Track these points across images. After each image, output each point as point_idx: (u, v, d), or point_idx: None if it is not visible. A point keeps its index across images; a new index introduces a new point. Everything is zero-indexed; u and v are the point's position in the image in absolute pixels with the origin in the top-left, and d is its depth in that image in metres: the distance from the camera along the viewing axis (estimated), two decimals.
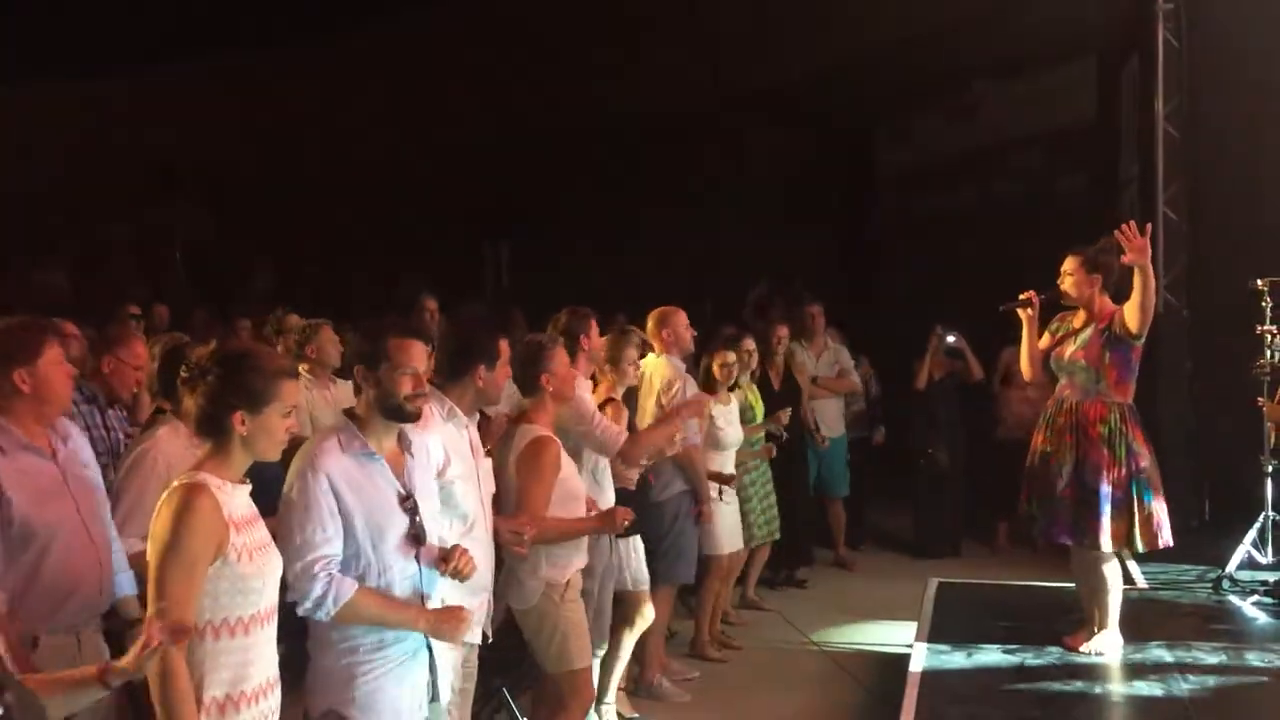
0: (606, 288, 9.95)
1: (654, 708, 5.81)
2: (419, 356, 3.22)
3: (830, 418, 8.54)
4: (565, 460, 4.30)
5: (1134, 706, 4.83)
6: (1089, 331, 5.18)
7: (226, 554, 2.57)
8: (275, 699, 2.73)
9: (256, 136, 13.31)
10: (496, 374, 3.84)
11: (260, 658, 2.66)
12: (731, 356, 6.55)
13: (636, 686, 5.93)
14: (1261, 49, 7.96)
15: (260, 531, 2.72)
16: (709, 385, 6.44)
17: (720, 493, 6.31)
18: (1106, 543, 5.11)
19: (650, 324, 6.08)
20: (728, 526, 6.43)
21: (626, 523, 4.38)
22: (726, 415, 6.50)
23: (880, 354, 9.64)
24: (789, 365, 8.02)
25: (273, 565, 2.74)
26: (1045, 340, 5.34)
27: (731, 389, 6.66)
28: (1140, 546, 5.14)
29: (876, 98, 11.73)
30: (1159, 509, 5.15)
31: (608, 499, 4.89)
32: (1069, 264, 5.23)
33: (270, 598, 2.72)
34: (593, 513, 4.48)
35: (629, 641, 5.43)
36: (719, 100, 11.64)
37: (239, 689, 2.60)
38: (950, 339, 8.68)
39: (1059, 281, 5.24)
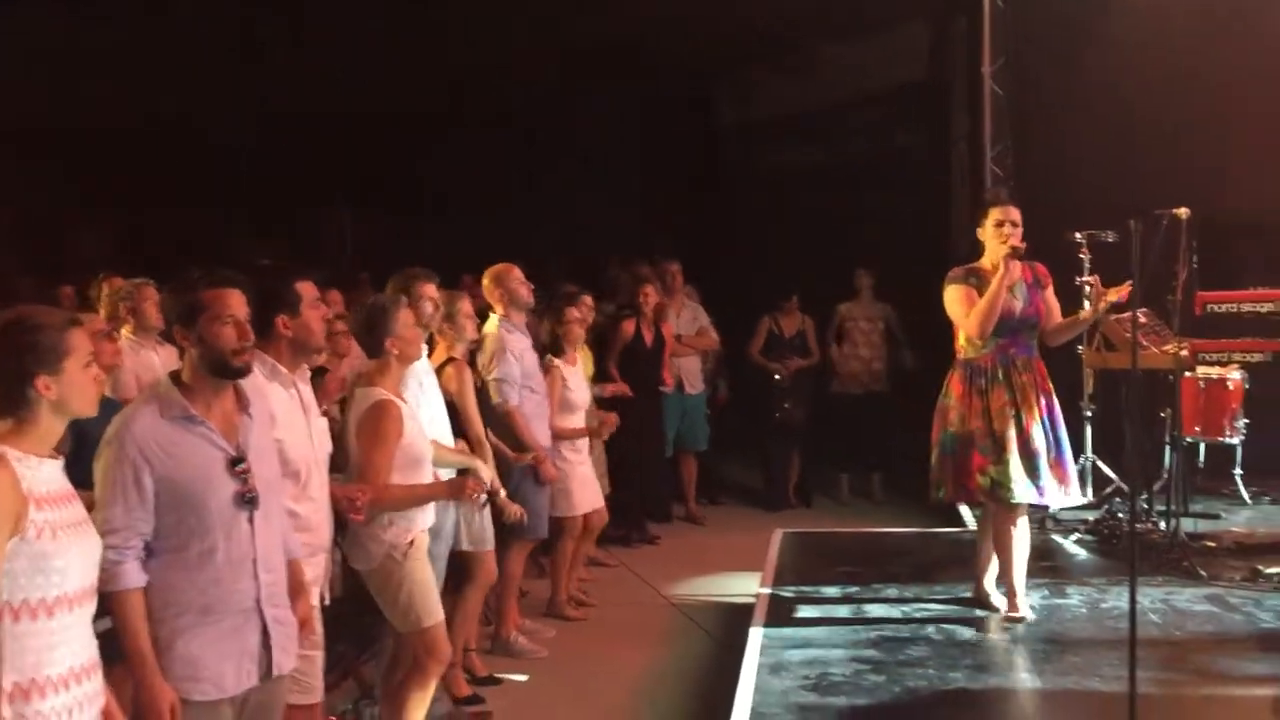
0: (451, 253, 9.82)
1: (511, 665, 5.82)
2: (239, 304, 3.06)
3: (692, 374, 8.73)
4: (410, 424, 4.23)
5: (963, 640, 5.08)
6: None
7: (24, 530, 2.43)
8: (92, 684, 2.59)
9: (83, 92, 12.66)
10: (305, 319, 3.64)
11: (68, 642, 2.52)
12: (575, 313, 6.49)
13: (492, 644, 5.95)
14: (1081, 8, 8.31)
15: (73, 509, 2.56)
16: (555, 347, 6.42)
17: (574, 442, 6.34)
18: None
19: (485, 283, 6.02)
20: (582, 487, 6.41)
21: (477, 493, 4.26)
22: (575, 377, 6.45)
23: (727, 308, 9.77)
24: (658, 322, 8.12)
25: (84, 546, 2.57)
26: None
27: None
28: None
29: (714, 55, 11.80)
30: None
31: None
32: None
33: (80, 580, 2.56)
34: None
35: (475, 602, 5.45)
36: (552, 57, 11.55)
37: (43, 673, 2.47)
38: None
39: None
